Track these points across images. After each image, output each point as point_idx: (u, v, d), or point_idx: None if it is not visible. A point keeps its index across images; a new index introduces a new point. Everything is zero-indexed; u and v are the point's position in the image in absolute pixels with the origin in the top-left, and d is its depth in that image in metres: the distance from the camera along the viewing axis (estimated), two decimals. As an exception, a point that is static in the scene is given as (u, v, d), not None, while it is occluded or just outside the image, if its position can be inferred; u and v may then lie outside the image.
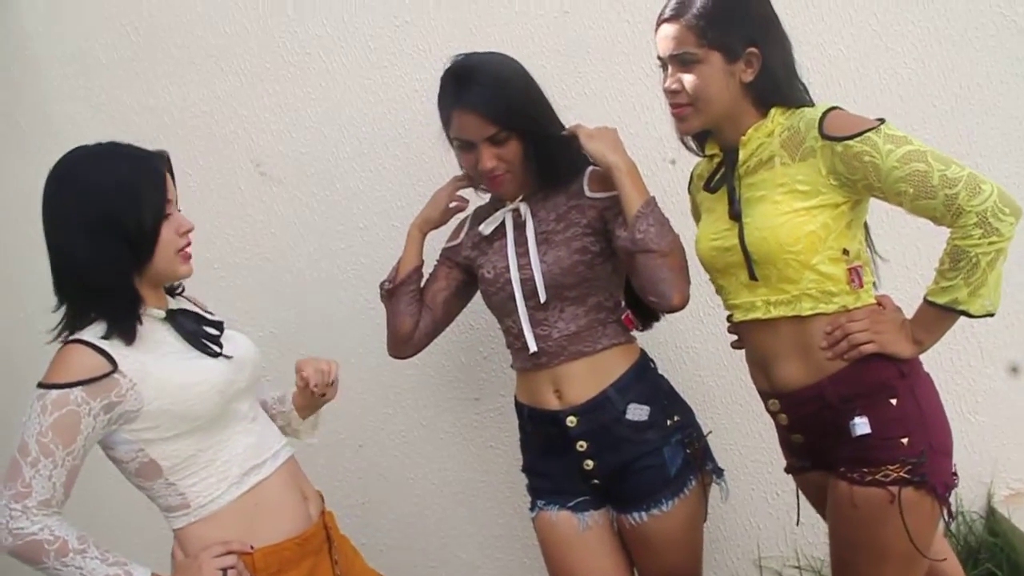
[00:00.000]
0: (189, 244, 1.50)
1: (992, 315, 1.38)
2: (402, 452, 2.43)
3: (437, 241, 1.93)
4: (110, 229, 1.40)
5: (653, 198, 1.62)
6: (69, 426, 1.36)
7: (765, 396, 1.58)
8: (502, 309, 1.79)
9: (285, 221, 2.39)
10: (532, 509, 1.85)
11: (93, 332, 1.42)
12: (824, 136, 1.39)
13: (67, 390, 1.36)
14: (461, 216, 1.94)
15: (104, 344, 1.41)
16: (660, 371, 1.82)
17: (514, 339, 1.79)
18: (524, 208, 1.75)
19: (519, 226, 1.76)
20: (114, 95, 2.42)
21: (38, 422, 1.36)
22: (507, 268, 1.75)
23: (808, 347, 1.47)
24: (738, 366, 2.15)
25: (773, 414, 1.57)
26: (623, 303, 1.79)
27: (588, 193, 1.72)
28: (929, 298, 1.41)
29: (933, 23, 2.04)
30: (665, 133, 2.04)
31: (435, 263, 1.94)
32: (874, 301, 1.48)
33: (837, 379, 1.45)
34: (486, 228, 1.79)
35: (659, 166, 2.10)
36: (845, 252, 1.44)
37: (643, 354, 1.80)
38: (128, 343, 1.42)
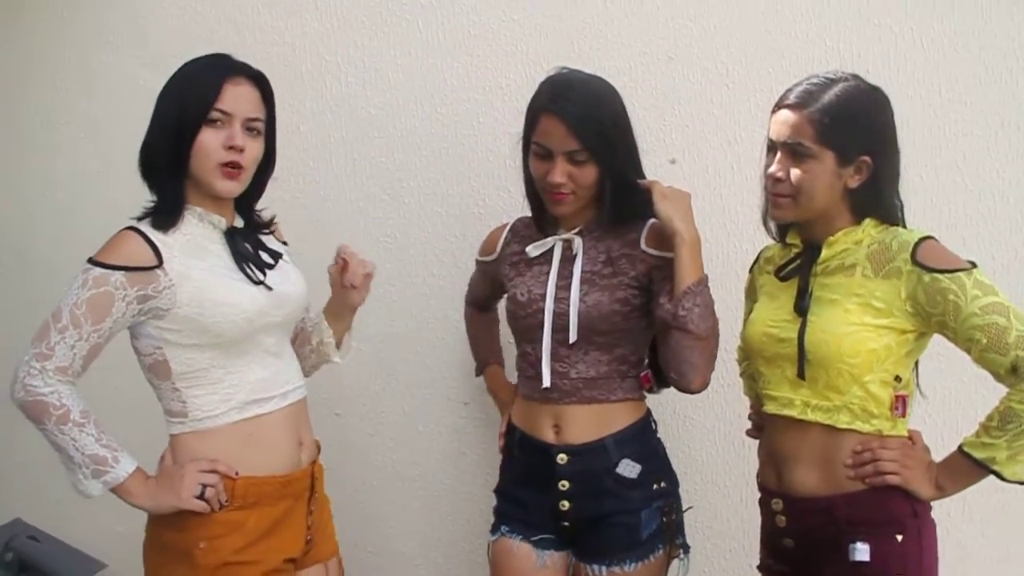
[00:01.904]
0: (235, 165, 1.49)
1: (1023, 483, 1.37)
2: (375, 432, 2.40)
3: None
4: (164, 116, 1.49)
5: (706, 277, 1.60)
6: (102, 305, 1.42)
7: (769, 494, 1.56)
8: (525, 335, 1.76)
9: (316, 176, 2.36)
10: (493, 532, 1.82)
11: (152, 227, 1.50)
12: (915, 262, 1.38)
13: (110, 272, 1.43)
14: (495, 225, 1.94)
15: (158, 239, 1.47)
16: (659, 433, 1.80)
17: (528, 366, 1.76)
18: (578, 242, 1.72)
19: (567, 258, 1.73)
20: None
21: (76, 294, 1.43)
22: (543, 296, 1.71)
23: (832, 459, 1.46)
24: (730, 449, 2.16)
25: (772, 513, 1.55)
26: (646, 361, 1.77)
27: (644, 247, 1.69)
28: (966, 449, 1.40)
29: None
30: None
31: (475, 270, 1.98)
32: (907, 434, 1.48)
33: (851, 499, 1.44)
34: (534, 251, 1.76)
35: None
36: (897, 378, 1.43)
37: (648, 413, 1.78)
38: (163, 229, 1.48)
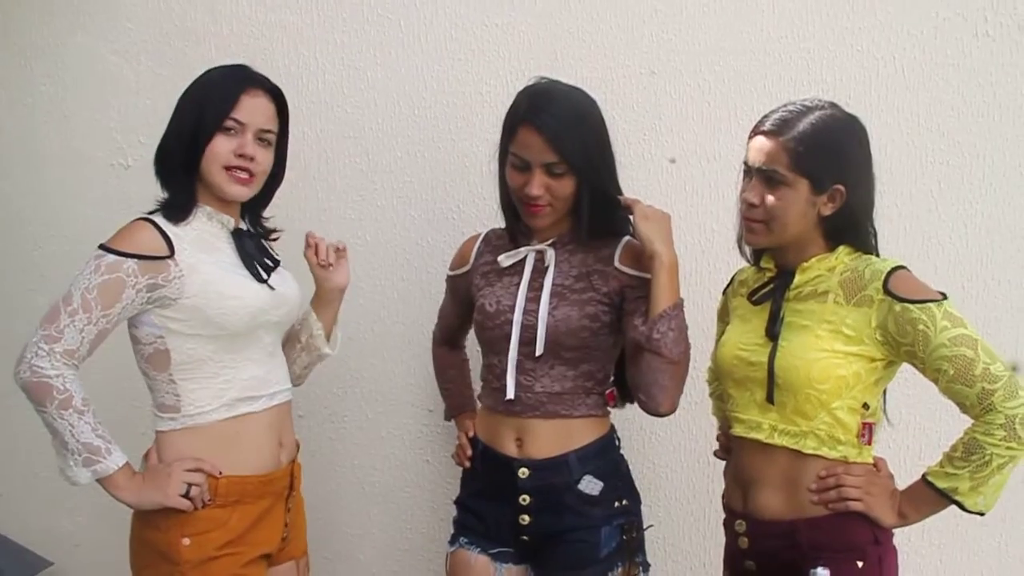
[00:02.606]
0: (246, 171, 1.57)
1: (983, 515, 1.38)
2: (337, 436, 2.36)
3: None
4: (182, 120, 1.56)
5: (681, 301, 1.59)
6: (113, 291, 1.46)
7: (734, 515, 1.56)
8: (491, 345, 1.73)
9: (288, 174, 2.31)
10: (452, 543, 1.79)
11: (164, 218, 1.55)
12: (887, 291, 1.38)
13: (123, 259, 1.48)
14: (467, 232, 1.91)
15: (170, 231, 1.53)
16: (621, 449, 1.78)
17: (493, 378, 1.73)
18: (551, 254, 1.69)
19: (538, 270, 1.70)
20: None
21: (88, 279, 1.47)
22: (512, 308, 1.69)
23: (796, 483, 1.46)
24: (694, 467, 2.15)
25: (736, 535, 1.54)
26: (612, 378, 1.75)
27: (618, 264, 1.67)
28: (929, 478, 1.40)
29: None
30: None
31: (446, 288, 1.94)
32: (872, 462, 1.47)
33: (814, 524, 1.43)
34: (506, 260, 1.73)
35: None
36: (865, 406, 1.43)
37: (612, 429, 1.77)
38: (173, 222, 1.55)
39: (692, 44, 2.05)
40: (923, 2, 1.94)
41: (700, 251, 2.06)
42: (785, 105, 1.45)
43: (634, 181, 1.86)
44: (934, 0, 1.93)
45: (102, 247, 1.50)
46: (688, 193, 2.08)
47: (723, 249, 2.03)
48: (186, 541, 1.52)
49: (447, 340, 2.00)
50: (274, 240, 1.77)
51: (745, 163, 1.48)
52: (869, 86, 1.97)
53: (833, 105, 1.45)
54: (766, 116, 1.46)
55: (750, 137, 1.48)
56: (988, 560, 2.02)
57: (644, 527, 1.75)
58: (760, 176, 1.44)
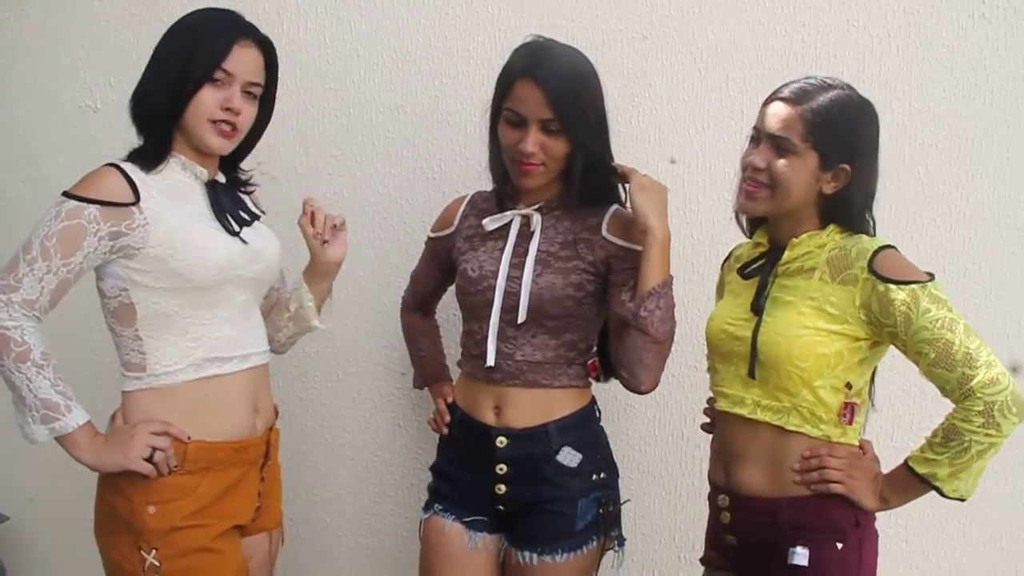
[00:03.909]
0: (230, 124, 1.51)
1: (963, 501, 1.38)
2: (306, 396, 2.31)
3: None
4: (166, 65, 1.48)
5: (671, 279, 1.56)
6: (73, 238, 1.40)
7: (717, 489, 1.55)
8: (472, 311, 1.69)
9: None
10: (426, 510, 1.77)
11: (134, 165, 1.48)
12: (871, 270, 1.37)
13: (84, 204, 1.41)
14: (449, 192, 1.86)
15: (138, 178, 1.46)
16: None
17: (474, 344, 1.69)
18: (537, 219, 1.65)
19: (523, 235, 1.66)
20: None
21: (48, 226, 1.41)
22: (495, 274, 1.64)
23: (779, 461, 1.45)
24: (669, 440, 2.14)
25: (718, 509, 1.53)
26: (594, 348, 1.72)
27: (605, 233, 1.64)
28: (910, 463, 1.40)
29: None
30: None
31: (423, 251, 1.88)
32: (857, 444, 1.47)
33: (795, 503, 1.43)
34: (491, 224, 1.68)
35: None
36: (848, 386, 1.42)
37: (593, 400, 1.75)
38: (144, 170, 1.48)
39: (686, 11, 2.01)
40: (921, -20, 1.92)
41: (685, 224, 2.03)
42: (806, 77, 1.44)
43: (623, 148, 1.82)
44: (932, -21, 1.91)
45: (65, 194, 1.43)
46: (676, 163, 2.04)
47: (708, 221, 2.02)
48: (151, 509, 1.46)
49: (420, 306, 1.95)
50: (249, 192, 1.70)
51: (755, 128, 1.46)
52: (863, 63, 1.95)
53: (851, 87, 1.44)
54: (785, 84, 1.45)
55: (766, 103, 1.45)
56: (952, 542, 2.05)
57: (621, 501, 1.73)
58: (771, 142, 1.42)
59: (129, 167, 1.47)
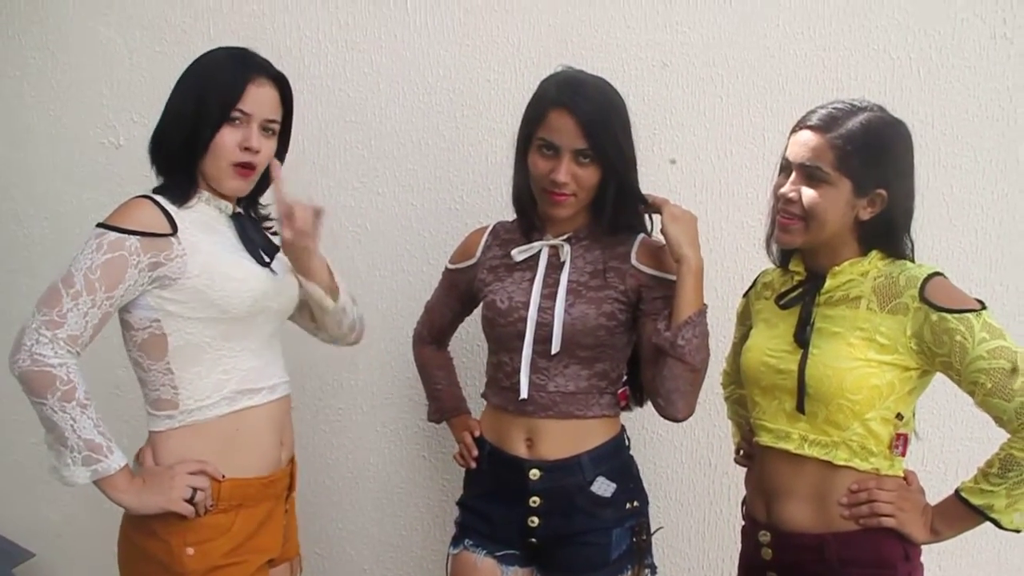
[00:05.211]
0: (248, 165, 1.50)
1: (1019, 531, 1.35)
2: (331, 429, 2.30)
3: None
4: (182, 106, 1.48)
5: (705, 308, 1.56)
6: (117, 271, 1.38)
7: (757, 525, 1.52)
8: (502, 343, 1.68)
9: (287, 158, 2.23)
10: (455, 545, 1.74)
11: (164, 198, 1.48)
12: (923, 299, 1.34)
13: (125, 236, 1.39)
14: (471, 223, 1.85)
15: (171, 209, 1.46)
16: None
17: (504, 376, 1.68)
18: (567, 249, 1.65)
19: (553, 265, 1.65)
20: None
21: (90, 258, 1.38)
22: (525, 304, 1.63)
23: (826, 496, 1.42)
24: (695, 468, 2.12)
25: (758, 545, 1.50)
26: (625, 377, 1.71)
27: (634, 262, 1.63)
28: (963, 494, 1.36)
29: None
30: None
31: (439, 282, 1.86)
32: (902, 474, 1.44)
33: (843, 539, 1.40)
34: (519, 255, 1.67)
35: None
36: (899, 416, 1.40)
37: (623, 430, 1.73)
38: (175, 204, 1.47)
39: (705, 37, 2.01)
40: (941, 2, 1.92)
41: (708, 249, 2.00)
42: (832, 102, 1.41)
43: (643, 176, 1.81)
44: (952, 0, 1.90)
45: (101, 225, 1.41)
46: (697, 189, 2.04)
47: (732, 247, 2.02)
48: (190, 551, 1.44)
49: (435, 339, 1.93)
50: (268, 228, 1.69)
51: (785, 158, 1.44)
52: (884, 85, 1.95)
53: (881, 108, 1.41)
54: (812, 111, 1.41)
55: (793, 131, 1.43)
56: (987, 568, 2.02)
57: (653, 530, 1.72)
58: (802, 172, 1.39)
59: (161, 199, 1.47)
